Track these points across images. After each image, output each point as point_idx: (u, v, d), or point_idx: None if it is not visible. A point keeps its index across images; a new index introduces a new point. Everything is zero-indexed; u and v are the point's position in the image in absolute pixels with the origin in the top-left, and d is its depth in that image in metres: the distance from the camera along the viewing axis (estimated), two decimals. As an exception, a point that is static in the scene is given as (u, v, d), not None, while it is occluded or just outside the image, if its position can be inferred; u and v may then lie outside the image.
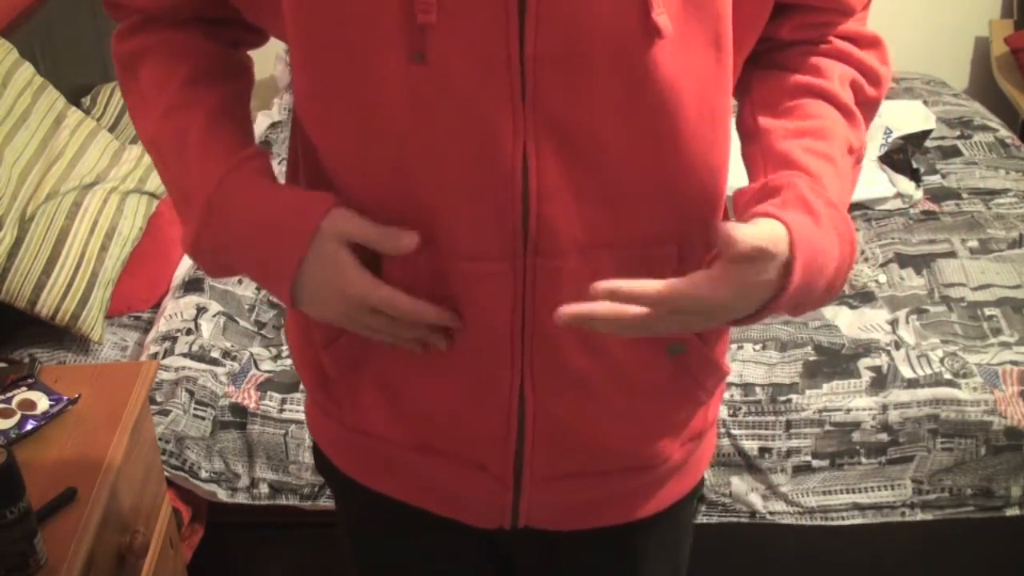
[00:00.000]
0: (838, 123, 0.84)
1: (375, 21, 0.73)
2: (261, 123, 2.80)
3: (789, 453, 1.73)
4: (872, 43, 0.88)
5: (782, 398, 1.75)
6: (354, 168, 0.80)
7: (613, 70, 0.73)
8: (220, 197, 0.82)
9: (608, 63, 0.72)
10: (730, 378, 1.79)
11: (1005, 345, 1.80)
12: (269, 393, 1.82)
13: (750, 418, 1.74)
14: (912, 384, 1.74)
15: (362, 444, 0.95)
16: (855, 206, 2.29)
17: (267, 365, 1.89)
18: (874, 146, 2.35)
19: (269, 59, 3.03)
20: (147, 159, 2.31)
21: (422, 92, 0.73)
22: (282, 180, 0.87)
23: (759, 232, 0.72)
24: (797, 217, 0.74)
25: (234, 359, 1.90)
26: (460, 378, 0.86)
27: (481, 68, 0.73)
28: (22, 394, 1.43)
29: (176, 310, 2.01)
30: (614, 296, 0.71)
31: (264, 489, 1.80)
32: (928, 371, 1.75)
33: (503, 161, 0.75)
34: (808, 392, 1.75)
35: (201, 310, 2.00)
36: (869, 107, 0.87)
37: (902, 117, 2.44)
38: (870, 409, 1.72)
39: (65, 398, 1.43)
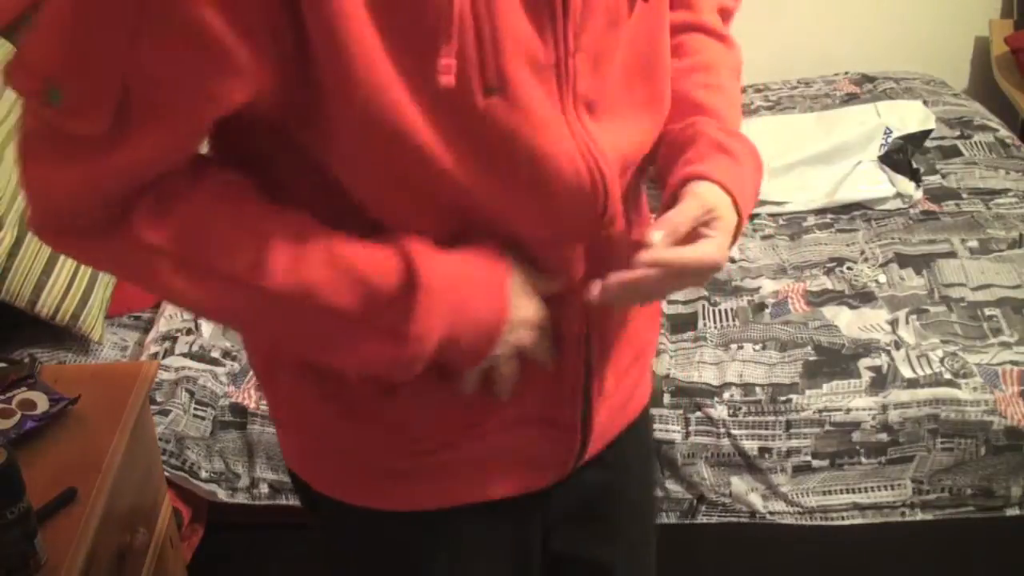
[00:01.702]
0: (719, 52, 0.98)
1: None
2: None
3: (789, 453, 1.74)
4: None
5: (782, 398, 1.75)
6: (411, 212, 0.81)
7: (612, 32, 0.81)
8: (424, 280, 0.78)
9: (608, 28, 0.80)
10: (730, 378, 1.79)
11: (1005, 345, 1.80)
12: (269, 393, 1.82)
13: (750, 418, 1.74)
14: (912, 384, 1.74)
15: (391, 465, 0.94)
16: (855, 206, 2.30)
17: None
18: (874, 146, 2.35)
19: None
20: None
21: (499, 120, 0.76)
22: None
23: (705, 201, 0.85)
24: (720, 165, 0.87)
25: (234, 359, 1.90)
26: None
27: (537, 75, 0.76)
28: (22, 394, 1.43)
29: (176, 310, 2.01)
30: (655, 263, 0.81)
31: (264, 489, 1.80)
32: (928, 371, 1.75)
33: (574, 158, 0.80)
34: (808, 392, 1.75)
35: (201, 310, 2.00)
36: (730, 15, 1.03)
37: (902, 117, 2.44)
38: (870, 409, 1.72)
39: (65, 398, 1.43)
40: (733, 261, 2.14)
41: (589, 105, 0.81)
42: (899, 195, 2.28)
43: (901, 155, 2.35)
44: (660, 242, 0.81)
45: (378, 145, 0.74)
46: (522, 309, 0.84)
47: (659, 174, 0.92)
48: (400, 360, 0.80)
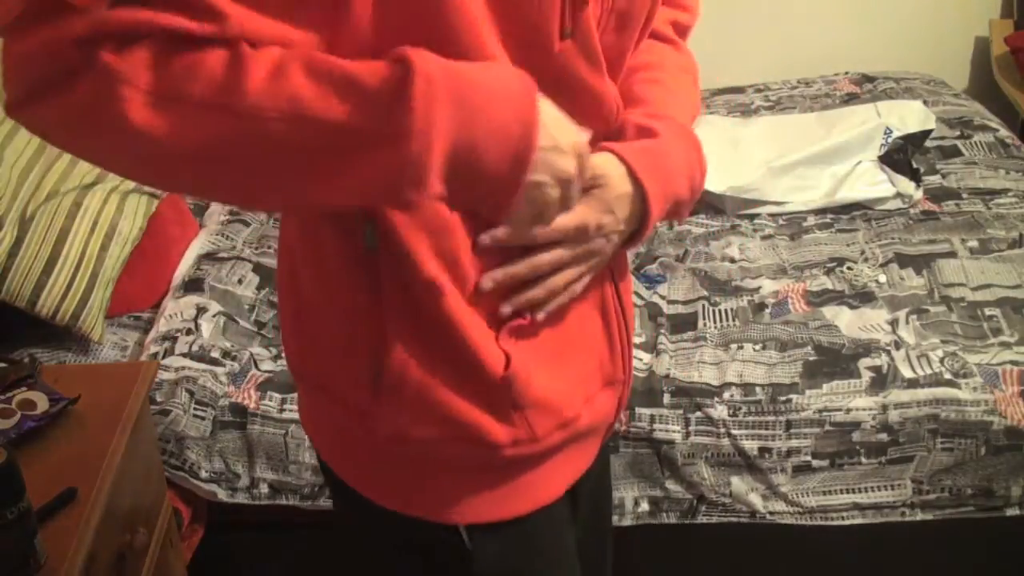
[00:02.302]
0: (665, 51, 1.02)
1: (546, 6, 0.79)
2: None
3: (789, 453, 1.74)
4: None
5: (782, 398, 1.75)
6: None
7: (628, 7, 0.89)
8: (419, 66, 0.72)
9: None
10: (730, 378, 1.79)
11: (1005, 345, 1.80)
12: (269, 393, 1.82)
13: (750, 418, 1.74)
14: (912, 384, 1.74)
15: (504, 471, 0.95)
16: (855, 206, 2.30)
17: (267, 365, 1.89)
18: (874, 146, 2.35)
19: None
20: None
21: (569, 64, 0.83)
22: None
23: (592, 166, 0.87)
24: (627, 145, 0.91)
25: (234, 359, 1.90)
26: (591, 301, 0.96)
27: (592, 24, 0.84)
28: (22, 394, 1.43)
29: (176, 310, 2.01)
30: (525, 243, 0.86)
31: (264, 489, 1.80)
32: (928, 371, 1.75)
33: (616, 97, 0.91)
34: (808, 392, 1.75)
35: (201, 310, 2.00)
36: (686, 31, 1.06)
37: (902, 117, 2.44)
38: (870, 409, 1.72)
39: (65, 398, 1.43)
40: (733, 261, 2.14)
41: (609, 62, 0.89)
42: (899, 195, 2.28)
43: (901, 155, 2.35)
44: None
45: None
46: (559, 127, 0.80)
47: None
48: (406, 168, 0.72)
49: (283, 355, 1.90)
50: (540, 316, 0.89)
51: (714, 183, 2.30)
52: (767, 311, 1.96)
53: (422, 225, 0.83)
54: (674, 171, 0.94)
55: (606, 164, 0.89)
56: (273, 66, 0.71)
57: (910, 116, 2.44)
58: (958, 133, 2.57)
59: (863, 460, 1.73)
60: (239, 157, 0.72)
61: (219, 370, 1.87)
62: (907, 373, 1.75)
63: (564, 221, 0.86)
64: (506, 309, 0.88)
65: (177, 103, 0.69)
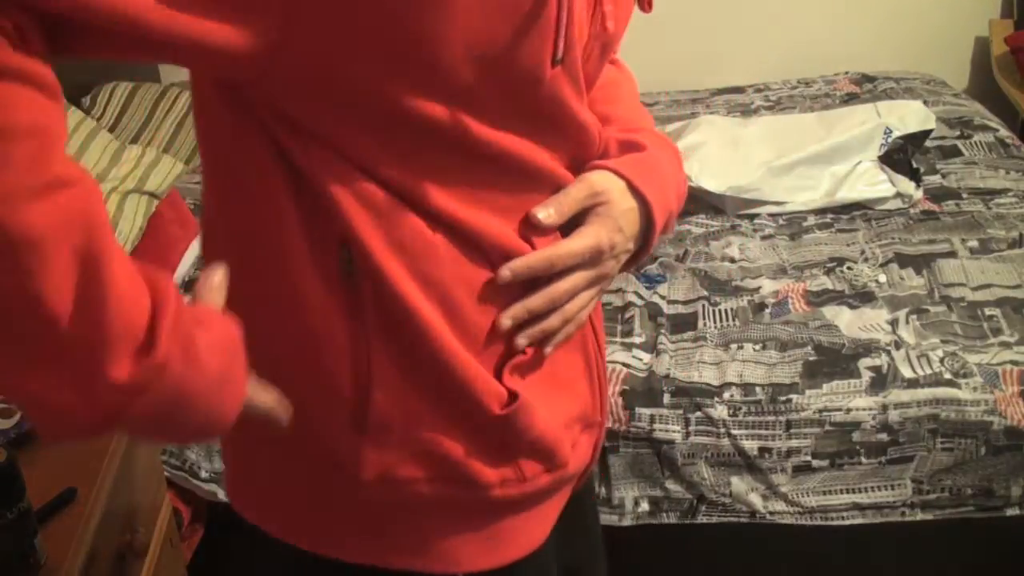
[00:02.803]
0: (610, 72, 0.99)
1: (540, 33, 0.76)
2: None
3: (789, 453, 1.74)
4: None
5: (782, 398, 1.75)
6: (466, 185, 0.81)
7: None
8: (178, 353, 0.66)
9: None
10: (730, 378, 1.79)
11: (1005, 345, 1.80)
12: (269, 393, 1.82)
13: (750, 418, 1.74)
14: (912, 384, 1.74)
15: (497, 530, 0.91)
16: (855, 206, 2.30)
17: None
18: (874, 146, 2.35)
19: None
20: (147, 158, 2.31)
21: (558, 93, 0.80)
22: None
23: (592, 184, 0.87)
24: (619, 160, 0.90)
25: (234, 359, 1.90)
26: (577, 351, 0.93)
27: (578, 51, 0.82)
28: (22, 394, 1.43)
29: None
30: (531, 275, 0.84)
31: (264, 489, 1.80)
32: (928, 371, 1.75)
33: (593, 122, 0.88)
34: (808, 392, 1.75)
35: (201, 310, 2.00)
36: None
37: (902, 117, 2.44)
38: (870, 409, 1.72)
39: (65, 398, 1.43)
40: (733, 261, 2.14)
41: (589, 84, 0.87)
42: (899, 195, 2.28)
43: (901, 155, 2.35)
44: (544, 219, 0.84)
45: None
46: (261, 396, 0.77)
47: None
48: (82, 411, 0.63)
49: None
50: (549, 350, 0.87)
51: (714, 183, 2.30)
52: (767, 311, 1.96)
53: (401, 247, 0.78)
54: (667, 182, 0.93)
55: (605, 180, 0.87)
56: (64, 193, 0.59)
57: (910, 116, 2.45)
58: (958, 133, 2.57)
59: (863, 460, 1.73)
60: None
61: (219, 370, 1.87)
62: (907, 373, 1.75)
63: (579, 244, 0.85)
64: (522, 341, 0.85)
65: None
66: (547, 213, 0.84)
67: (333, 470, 0.86)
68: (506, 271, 0.82)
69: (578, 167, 0.88)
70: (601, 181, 0.87)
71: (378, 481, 0.85)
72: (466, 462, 0.85)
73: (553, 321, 0.86)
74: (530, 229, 0.84)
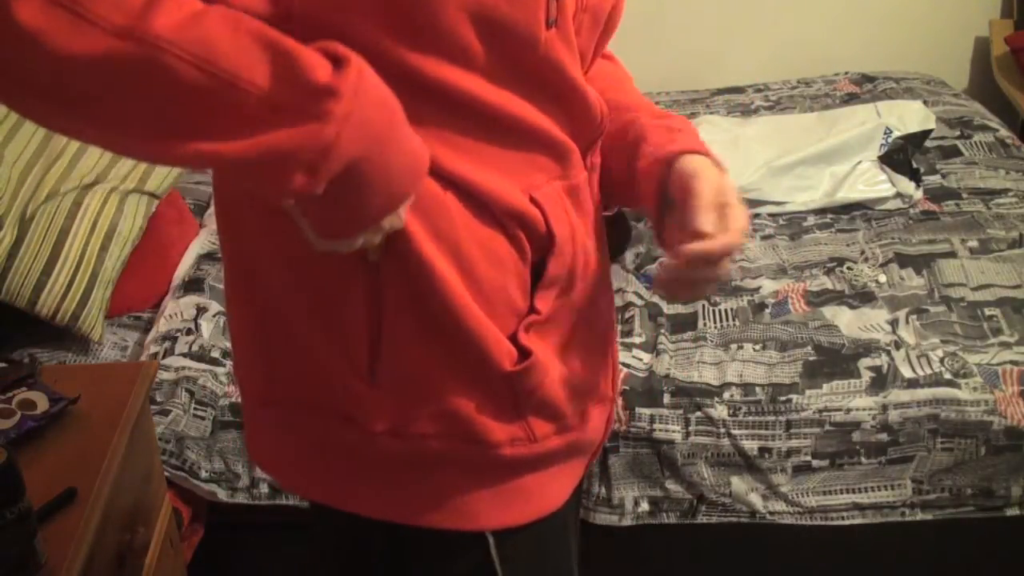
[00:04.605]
0: (607, 66, 1.03)
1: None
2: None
3: (789, 453, 1.74)
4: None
5: (782, 398, 1.75)
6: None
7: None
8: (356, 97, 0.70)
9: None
10: (730, 378, 1.79)
11: (1005, 345, 1.80)
12: (269, 393, 1.82)
13: (750, 418, 1.74)
14: (912, 384, 1.74)
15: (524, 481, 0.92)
16: (855, 206, 2.30)
17: (237, 376, 1.89)
18: (874, 146, 2.35)
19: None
20: (147, 159, 2.31)
21: (553, 55, 0.82)
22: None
23: (709, 176, 0.87)
24: (685, 138, 0.91)
25: (234, 359, 1.90)
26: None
27: (572, 17, 0.84)
28: (22, 394, 1.43)
29: (176, 310, 2.01)
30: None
31: (264, 489, 1.80)
32: (928, 371, 1.75)
33: (593, 95, 0.89)
34: (808, 392, 1.75)
35: (201, 310, 2.00)
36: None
37: (902, 117, 2.44)
38: (870, 409, 1.72)
39: (65, 398, 1.43)
40: (733, 261, 2.14)
41: (583, 58, 0.89)
42: (899, 195, 2.28)
43: (901, 155, 2.35)
44: (709, 227, 0.84)
45: None
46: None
47: (615, 175, 0.96)
48: (307, 152, 0.68)
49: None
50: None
51: (714, 183, 2.30)
52: (767, 311, 1.96)
53: (414, 204, 0.78)
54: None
55: (708, 168, 0.88)
56: (192, 8, 0.66)
57: (910, 116, 2.44)
58: (958, 133, 2.57)
59: (863, 460, 1.73)
60: (126, 89, 0.65)
61: (219, 370, 1.87)
62: (907, 373, 1.75)
63: (727, 241, 0.86)
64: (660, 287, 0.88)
65: (73, 8, 0.62)
66: (712, 218, 0.85)
67: (346, 423, 0.87)
68: (686, 249, 0.84)
69: (580, 137, 0.89)
70: (705, 170, 0.87)
71: (389, 434, 0.86)
72: (476, 419, 0.86)
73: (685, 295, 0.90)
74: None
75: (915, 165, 2.36)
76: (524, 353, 0.86)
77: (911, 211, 2.26)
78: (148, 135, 0.68)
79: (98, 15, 0.63)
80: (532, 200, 0.86)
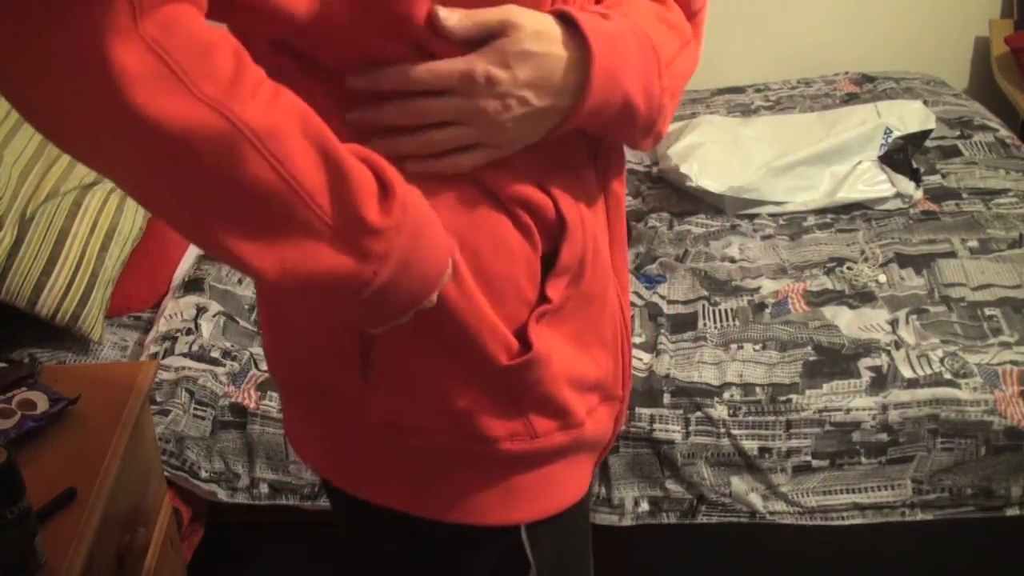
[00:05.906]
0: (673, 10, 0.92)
1: None
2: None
3: (789, 453, 1.74)
4: None
5: (782, 398, 1.75)
6: None
7: None
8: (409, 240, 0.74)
9: None
10: (730, 378, 1.79)
11: (1005, 345, 1.80)
12: (269, 393, 1.82)
13: (750, 418, 1.74)
14: (912, 384, 1.74)
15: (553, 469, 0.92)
16: (855, 206, 2.30)
17: (267, 365, 1.89)
18: (874, 146, 2.35)
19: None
20: (147, 159, 2.31)
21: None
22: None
23: (510, 15, 0.78)
24: (583, 15, 0.81)
25: (234, 359, 1.90)
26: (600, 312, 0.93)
27: None
28: (22, 394, 1.43)
29: (176, 310, 2.01)
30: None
31: (264, 489, 1.80)
32: (928, 371, 1.75)
33: None
34: (808, 392, 1.75)
35: (201, 310, 2.00)
36: (695, 14, 0.95)
37: (902, 117, 2.44)
38: (870, 409, 1.72)
39: (65, 398, 1.43)
40: (733, 261, 2.14)
41: None
42: (899, 195, 2.28)
43: (901, 155, 2.35)
44: (443, 18, 0.75)
45: None
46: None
47: None
48: (340, 278, 0.72)
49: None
50: (410, 169, 0.79)
51: (714, 183, 2.31)
52: (767, 311, 1.96)
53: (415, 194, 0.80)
54: (627, 58, 0.82)
55: (530, 18, 0.78)
56: (269, 91, 0.68)
57: (910, 116, 2.45)
58: (958, 133, 2.57)
59: (863, 460, 1.73)
60: (189, 159, 0.64)
61: (219, 370, 1.87)
62: (907, 373, 1.75)
63: (445, 65, 0.77)
64: (353, 115, 0.78)
65: (168, 64, 0.62)
66: (448, 14, 0.75)
67: (347, 413, 0.88)
68: (355, 81, 0.78)
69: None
70: (523, 16, 0.78)
71: (386, 426, 0.86)
72: (472, 413, 0.85)
73: (407, 144, 0.79)
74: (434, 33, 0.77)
75: (915, 165, 2.36)
76: (523, 347, 0.85)
77: (911, 211, 2.26)
78: (185, 206, 0.68)
79: (192, 80, 0.63)
80: (540, 186, 0.84)
